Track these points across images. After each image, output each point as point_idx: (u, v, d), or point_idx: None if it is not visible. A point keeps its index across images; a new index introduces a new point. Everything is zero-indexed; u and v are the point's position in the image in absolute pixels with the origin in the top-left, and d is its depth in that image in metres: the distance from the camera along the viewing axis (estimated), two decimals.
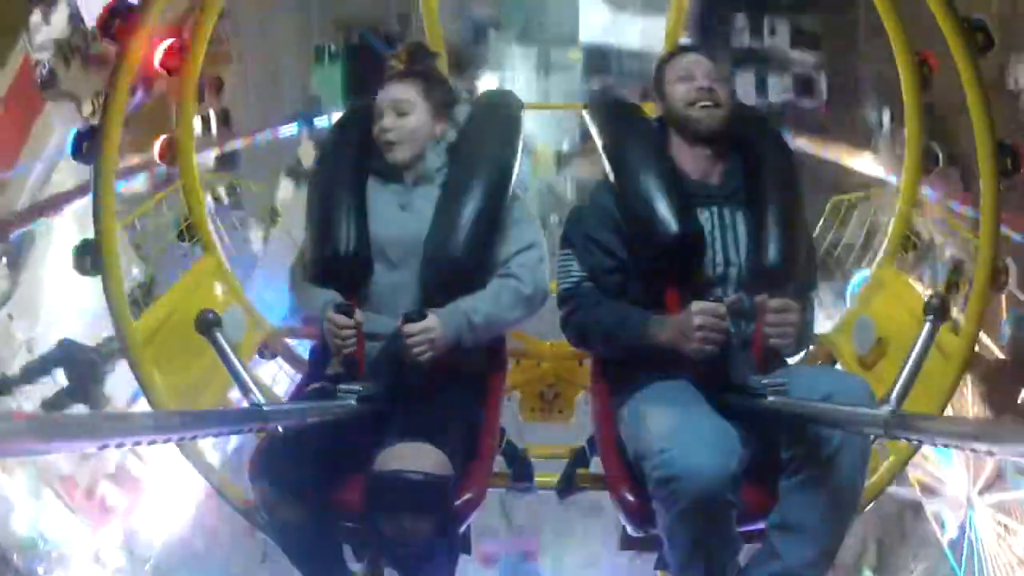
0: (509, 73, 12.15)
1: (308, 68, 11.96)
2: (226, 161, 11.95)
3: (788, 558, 1.73)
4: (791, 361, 2.10)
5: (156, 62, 2.32)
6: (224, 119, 12.18)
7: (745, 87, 11.60)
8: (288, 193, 11.18)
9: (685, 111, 2.05)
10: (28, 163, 9.15)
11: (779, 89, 11.71)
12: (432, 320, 1.89)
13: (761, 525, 1.82)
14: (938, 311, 1.42)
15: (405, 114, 2.07)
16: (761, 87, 11.86)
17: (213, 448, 4.19)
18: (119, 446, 0.93)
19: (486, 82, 12.10)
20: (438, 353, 1.89)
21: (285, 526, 1.82)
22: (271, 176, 11.29)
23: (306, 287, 2.11)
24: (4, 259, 10.74)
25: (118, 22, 1.96)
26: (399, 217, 2.06)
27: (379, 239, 2.04)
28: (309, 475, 1.79)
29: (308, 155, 11.40)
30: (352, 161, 2.13)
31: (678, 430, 1.66)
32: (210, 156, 11.41)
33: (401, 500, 1.66)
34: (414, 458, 1.70)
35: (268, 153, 11.74)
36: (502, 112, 2.30)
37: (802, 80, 11.74)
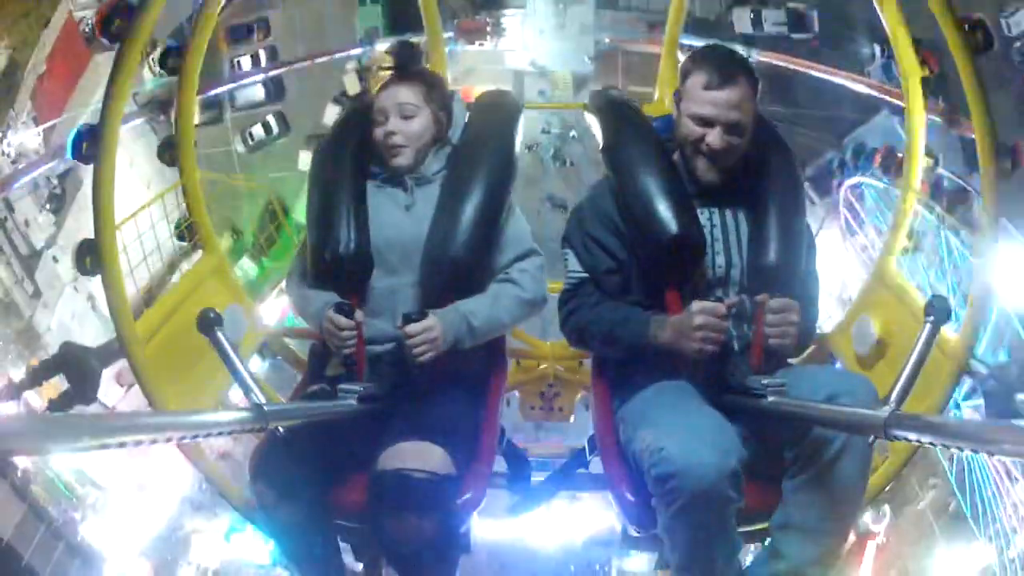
0: (529, 6, 14.86)
1: (352, 9, 14.76)
2: (274, 92, 14.58)
3: (791, 558, 1.73)
4: (793, 361, 2.09)
5: (156, 63, 2.31)
6: (272, 55, 14.71)
7: (742, 21, 14.23)
8: (333, 117, 13.27)
9: (689, 148, 1.95)
10: (76, 111, 10.69)
11: (773, 21, 14.14)
12: (432, 320, 1.89)
13: (762, 525, 1.82)
14: (939, 312, 1.41)
15: (410, 117, 2.05)
16: (757, 20, 14.25)
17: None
18: (120, 446, 0.93)
19: (508, 15, 15.06)
20: (438, 353, 1.89)
21: (283, 527, 1.83)
22: (318, 102, 14.19)
23: (304, 290, 2.10)
24: (48, 205, 11.12)
25: (118, 22, 1.96)
26: (401, 220, 2.05)
27: (378, 242, 2.03)
28: (307, 476, 1.79)
29: (352, 84, 14.27)
30: (352, 163, 2.11)
31: (676, 427, 1.65)
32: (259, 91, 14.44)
33: (405, 499, 1.66)
34: (417, 457, 1.70)
35: (314, 81, 14.52)
36: (500, 114, 2.29)
37: (795, 15, 14.10)
